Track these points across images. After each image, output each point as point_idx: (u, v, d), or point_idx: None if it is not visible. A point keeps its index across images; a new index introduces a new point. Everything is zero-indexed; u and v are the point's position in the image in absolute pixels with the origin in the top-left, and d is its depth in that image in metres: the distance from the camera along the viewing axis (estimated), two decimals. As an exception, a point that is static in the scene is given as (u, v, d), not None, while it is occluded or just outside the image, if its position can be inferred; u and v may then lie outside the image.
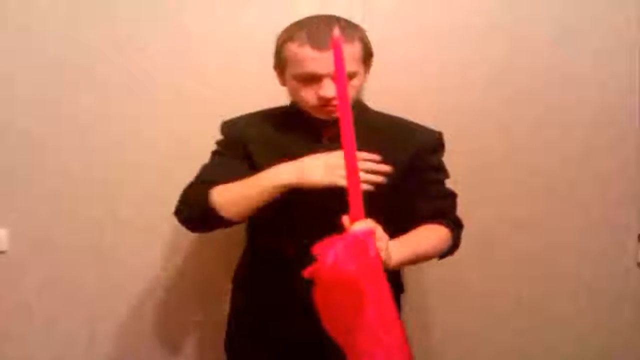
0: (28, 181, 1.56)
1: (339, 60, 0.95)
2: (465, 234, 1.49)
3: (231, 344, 1.36)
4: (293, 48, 1.13)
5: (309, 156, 1.11)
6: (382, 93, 1.59)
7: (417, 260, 1.16)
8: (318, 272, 0.95)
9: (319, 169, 1.08)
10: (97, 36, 1.53)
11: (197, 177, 1.23)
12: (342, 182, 1.03)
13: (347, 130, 0.98)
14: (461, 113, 1.66)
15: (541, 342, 1.77)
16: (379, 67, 1.58)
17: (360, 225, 0.98)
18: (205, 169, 1.24)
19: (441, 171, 1.29)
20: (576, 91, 1.68)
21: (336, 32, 0.99)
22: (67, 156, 1.56)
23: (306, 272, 0.96)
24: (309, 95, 1.14)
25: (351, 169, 0.99)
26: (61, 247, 1.58)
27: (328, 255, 0.94)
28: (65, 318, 1.62)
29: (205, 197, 1.14)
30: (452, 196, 1.29)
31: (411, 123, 1.29)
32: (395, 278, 1.30)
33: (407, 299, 1.70)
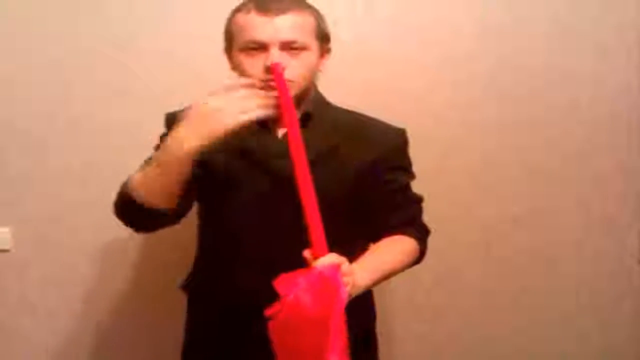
0: (30, 181, 1.56)
1: (281, 84, 0.93)
2: (465, 232, 1.50)
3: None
4: (239, 17, 1.05)
5: (199, 104, 0.96)
6: (382, 91, 1.59)
7: (384, 279, 1.08)
8: (278, 308, 0.91)
9: (219, 114, 0.93)
10: (96, 37, 1.53)
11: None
12: (256, 113, 0.93)
13: (299, 154, 0.93)
14: (461, 112, 1.66)
15: (542, 340, 1.77)
16: (378, 66, 1.59)
17: (324, 261, 0.91)
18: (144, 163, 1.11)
19: (408, 173, 1.19)
20: (575, 90, 1.68)
21: (275, 57, 0.99)
22: (68, 156, 1.56)
23: (268, 312, 0.91)
24: (255, 69, 1.02)
25: (309, 204, 0.92)
26: (63, 246, 1.59)
27: (289, 293, 0.89)
28: (67, 315, 1.62)
29: (125, 185, 1.02)
30: (418, 202, 1.21)
31: (375, 120, 1.18)
32: (366, 303, 1.21)
33: (406, 298, 1.72)
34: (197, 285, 1.23)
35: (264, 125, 1.10)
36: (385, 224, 1.15)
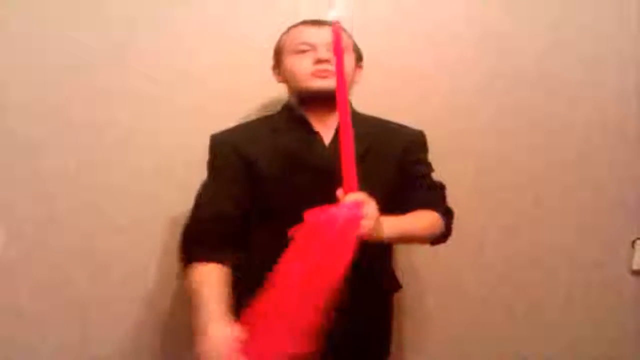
0: (22, 184, 1.54)
1: (337, 43, 1.05)
2: (458, 239, 1.50)
3: None
4: (290, 31, 1.23)
5: (212, 341, 1.05)
6: (377, 98, 1.59)
7: (408, 238, 1.23)
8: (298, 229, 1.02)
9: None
10: (94, 39, 1.52)
11: (197, 209, 1.22)
12: None
13: (343, 101, 1.04)
14: (455, 119, 1.66)
15: (534, 349, 1.77)
16: (375, 73, 1.59)
17: (352, 197, 1.02)
18: (203, 197, 1.23)
19: (428, 165, 1.34)
20: (570, 98, 1.69)
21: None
22: (61, 160, 1.54)
23: (290, 231, 1.03)
24: (305, 64, 1.19)
25: (346, 143, 1.03)
26: (54, 251, 1.56)
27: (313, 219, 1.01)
28: (57, 322, 1.60)
29: (184, 266, 1.19)
30: (441, 187, 1.34)
31: (395, 123, 1.34)
32: (389, 276, 1.35)
33: (402, 304, 1.71)
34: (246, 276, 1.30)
35: (312, 131, 1.23)
36: (413, 204, 1.25)
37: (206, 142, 1.29)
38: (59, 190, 1.55)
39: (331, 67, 1.14)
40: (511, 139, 1.69)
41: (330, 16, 1.08)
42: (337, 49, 1.05)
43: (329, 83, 1.14)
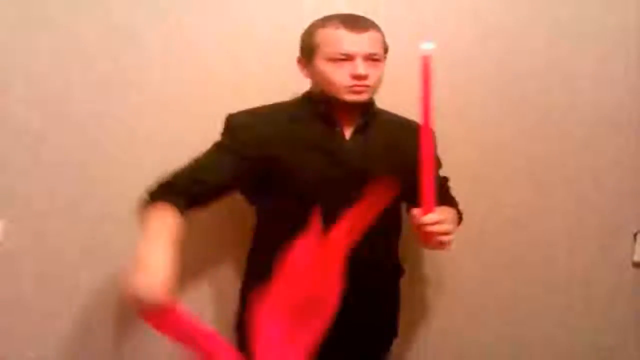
0: (25, 175, 1.54)
1: (426, 72, 1.05)
2: (461, 230, 1.52)
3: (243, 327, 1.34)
4: (327, 31, 1.21)
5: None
6: (380, 91, 1.59)
7: None
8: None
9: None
10: (95, 30, 1.51)
11: (186, 168, 1.23)
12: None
13: (427, 122, 1.06)
14: (458, 110, 1.66)
15: (535, 339, 1.78)
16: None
17: (430, 217, 1.08)
18: (198, 162, 1.24)
19: (439, 162, 1.40)
20: (573, 90, 1.69)
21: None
22: (64, 151, 1.54)
23: None
24: (341, 76, 1.20)
25: (427, 170, 1.05)
26: (56, 242, 1.57)
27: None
28: (60, 313, 1.60)
29: (144, 206, 1.18)
30: (448, 181, 1.43)
31: (410, 120, 1.35)
32: (394, 262, 1.42)
33: (401, 295, 1.71)
34: (258, 261, 1.34)
35: (332, 124, 1.26)
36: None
37: (207, 136, 1.29)
38: (61, 181, 1.55)
39: (368, 82, 1.19)
40: (513, 130, 1.69)
41: (424, 48, 1.06)
42: (426, 91, 1.06)
43: (363, 97, 1.21)
